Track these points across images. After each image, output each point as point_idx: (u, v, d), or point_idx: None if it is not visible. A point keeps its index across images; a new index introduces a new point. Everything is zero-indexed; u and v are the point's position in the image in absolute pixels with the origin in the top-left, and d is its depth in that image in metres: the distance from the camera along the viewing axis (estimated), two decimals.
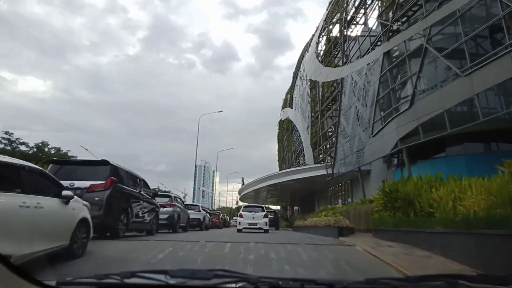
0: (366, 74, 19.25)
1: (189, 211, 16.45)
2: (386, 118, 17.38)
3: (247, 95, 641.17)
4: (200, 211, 17.53)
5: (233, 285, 1.26)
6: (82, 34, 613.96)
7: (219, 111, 36.98)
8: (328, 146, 28.33)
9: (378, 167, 22.59)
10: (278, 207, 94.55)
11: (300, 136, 41.08)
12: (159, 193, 14.35)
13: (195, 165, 33.41)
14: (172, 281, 1.26)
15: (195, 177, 45.77)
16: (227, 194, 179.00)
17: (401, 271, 4.38)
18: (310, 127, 31.53)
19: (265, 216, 18.06)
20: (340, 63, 24.27)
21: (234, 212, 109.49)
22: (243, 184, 50.92)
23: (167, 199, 13.05)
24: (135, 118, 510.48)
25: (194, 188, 34.53)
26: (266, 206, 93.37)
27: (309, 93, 31.43)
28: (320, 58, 28.47)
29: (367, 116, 19.33)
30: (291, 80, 47.41)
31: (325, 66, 26.76)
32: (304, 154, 39.20)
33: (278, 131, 61.28)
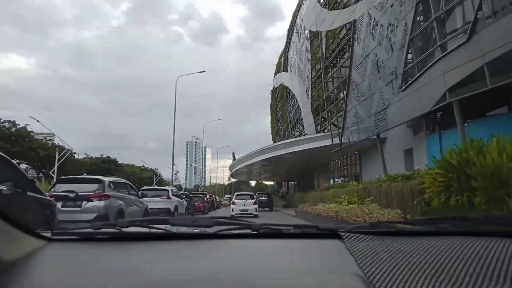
0: (392, 5, 14.15)
1: (152, 199, 11.77)
2: (425, 63, 12.50)
3: (238, 68, 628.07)
4: (169, 197, 12.75)
5: (235, 231, 1.23)
6: (64, 8, 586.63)
7: (200, 72, 31.42)
8: (333, 110, 23.47)
9: (398, 134, 17.94)
10: (271, 183, 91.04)
11: (296, 103, 36.12)
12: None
13: (173, 141, 28.51)
14: (172, 229, 1.23)
15: (173, 153, 41.19)
16: (217, 171, 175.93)
17: None
18: (310, 90, 26.55)
19: (255, 203, 20.18)
20: (351, 1, 19.00)
21: (226, 189, 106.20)
22: (234, 159, 46.27)
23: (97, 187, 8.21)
24: (124, 96, 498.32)
25: (173, 165, 29.55)
26: (259, 181, 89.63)
27: (309, 49, 26.25)
28: (322, 1, 23.06)
29: (393, 64, 14.41)
30: (282, 51, 41.97)
31: (330, 10, 21.47)
32: (302, 124, 34.38)
33: (271, 101, 56.20)
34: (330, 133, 22.69)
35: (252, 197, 20.76)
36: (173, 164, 28.77)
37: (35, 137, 34.26)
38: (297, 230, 1.21)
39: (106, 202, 7.97)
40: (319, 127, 26.26)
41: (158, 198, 12.49)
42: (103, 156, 46.63)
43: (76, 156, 41.12)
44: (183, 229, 1.27)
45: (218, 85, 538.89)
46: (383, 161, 16.67)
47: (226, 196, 70.72)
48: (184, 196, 17.40)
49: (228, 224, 1.26)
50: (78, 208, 7.78)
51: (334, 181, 31.77)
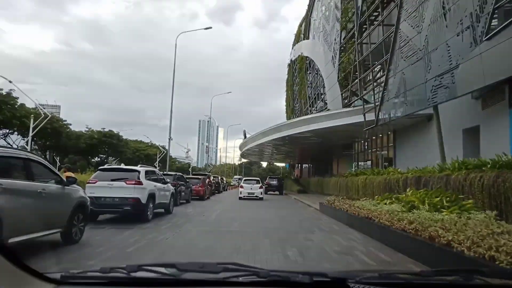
0: None
1: (111, 185, 8.12)
2: None
3: (253, 48, 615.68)
4: (138, 182, 8.89)
5: (243, 278, 1.23)
6: None
7: (206, 28, 27.42)
8: (366, 81, 19.06)
9: (454, 108, 13.71)
10: (283, 164, 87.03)
11: (317, 76, 31.67)
12: None
13: (171, 113, 24.53)
14: (180, 275, 1.25)
15: (170, 126, 37.37)
16: (226, 151, 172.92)
17: None
18: (338, 56, 22.09)
19: (260, 187, 22.39)
20: None
21: (236, 169, 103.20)
22: (245, 137, 42.35)
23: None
24: (138, 72, 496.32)
25: (169, 140, 25.72)
26: (271, 163, 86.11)
27: (339, 5, 21.62)
28: None
29: (472, 4, 10.00)
30: (303, 17, 37.02)
31: None
32: (324, 100, 30.02)
33: (287, 76, 51.63)
34: (361, 108, 18.43)
35: (258, 182, 22.81)
36: (169, 139, 24.90)
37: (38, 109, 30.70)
38: (305, 278, 1.19)
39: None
40: (346, 101, 21.92)
41: (122, 184, 8.68)
42: (105, 130, 43.19)
43: (71, 128, 37.70)
44: (191, 275, 1.27)
45: (232, 64, 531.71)
46: (441, 143, 12.45)
47: (235, 177, 67.30)
48: (174, 180, 13.65)
49: (236, 271, 1.27)
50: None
51: (357, 165, 27.67)
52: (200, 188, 17.87)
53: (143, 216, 9.07)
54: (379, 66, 18.38)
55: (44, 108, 26.44)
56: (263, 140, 31.56)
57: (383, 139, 22.45)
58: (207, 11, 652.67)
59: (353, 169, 26.90)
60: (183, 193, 15.03)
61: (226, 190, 36.57)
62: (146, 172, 9.83)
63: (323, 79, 29.75)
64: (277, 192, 30.23)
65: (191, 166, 61.46)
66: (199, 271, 1.27)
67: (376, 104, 16.56)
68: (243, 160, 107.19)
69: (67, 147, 38.30)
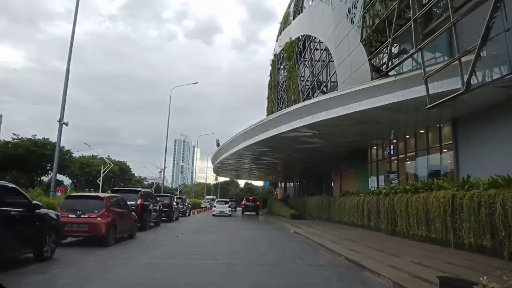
0: None
1: None
2: None
3: (231, 69, 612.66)
4: None
5: None
6: (56, 0, 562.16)
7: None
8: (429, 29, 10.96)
9: None
10: (261, 183, 77.99)
11: (315, 62, 23.82)
12: None
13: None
14: None
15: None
16: (193, 167, 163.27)
17: None
18: (363, 4, 13.97)
19: (229, 206, 29.00)
20: None
21: (211, 189, 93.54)
22: (218, 146, 33.64)
23: None
24: (112, 91, 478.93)
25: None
26: (249, 182, 77.45)
27: None
28: None
29: None
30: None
31: None
32: (323, 89, 22.05)
33: (269, 78, 43.76)
34: (415, 74, 10.38)
35: (227, 203, 29.48)
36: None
37: None
38: None
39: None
40: (384, 67, 13.63)
41: None
42: (35, 137, 33.59)
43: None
44: None
45: (210, 86, 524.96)
46: None
47: (207, 197, 57.92)
48: None
49: None
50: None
51: (373, 181, 19.54)
52: (97, 220, 8.80)
53: None
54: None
55: None
56: (239, 147, 23.06)
57: (428, 135, 14.45)
58: (186, 33, 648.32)
59: (372, 186, 18.69)
60: None
61: (189, 215, 27.47)
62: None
63: (324, 63, 21.82)
64: (253, 213, 32.34)
65: (153, 186, 51.64)
66: None
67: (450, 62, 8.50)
68: (220, 179, 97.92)
69: None
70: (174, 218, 20.12)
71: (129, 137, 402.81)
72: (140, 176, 74.53)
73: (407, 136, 16.01)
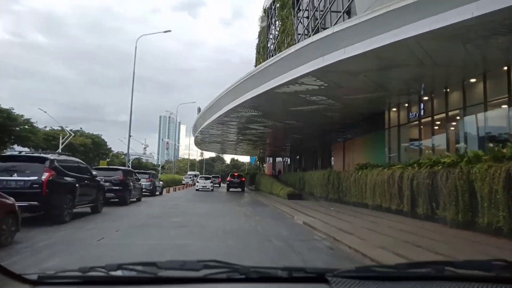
0: None
1: None
2: None
3: (218, 44, 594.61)
4: None
5: (223, 275, 1.21)
6: None
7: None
8: None
9: None
10: (248, 159, 73.94)
11: (315, 5, 19.26)
12: None
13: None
14: (161, 273, 1.21)
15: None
16: (175, 142, 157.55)
17: None
18: None
19: (211, 182, 32.03)
20: None
21: (196, 165, 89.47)
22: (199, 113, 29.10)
23: None
24: (96, 66, 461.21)
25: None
26: (236, 158, 73.74)
27: None
28: None
29: None
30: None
31: None
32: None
33: (257, 40, 38.89)
34: None
35: (208, 179, 32.99)
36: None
37: None
38: (284, 273, 1.20)
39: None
40: None
41: None
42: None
43: None
44: (171, 273, 1.23)
45: (197, 62, 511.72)
46: None
47: (189, 172, 53.73)
48: None
49: (216, 268, 1.23)
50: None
51: (389, 154, 15.59)
52: None
53: None
54: None
55: None
56: (225, 109, 18.63)
57: (485, 84, 10.33)
58: (170, 5, 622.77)
59: (389, 155, 14.77)
60: None
61: (160, 194, 22.59)
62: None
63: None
64: (239, 189, 31.51)
65: (129, 161, 46.99)
66: (179, 269, 1.25)
67: None
68: (205, 155, 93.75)
69: None
70: (135, 199, 15.61)
71: (114, 113, 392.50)
72: (122, 152, 69.55)
73: (447, 90, 11.88)
